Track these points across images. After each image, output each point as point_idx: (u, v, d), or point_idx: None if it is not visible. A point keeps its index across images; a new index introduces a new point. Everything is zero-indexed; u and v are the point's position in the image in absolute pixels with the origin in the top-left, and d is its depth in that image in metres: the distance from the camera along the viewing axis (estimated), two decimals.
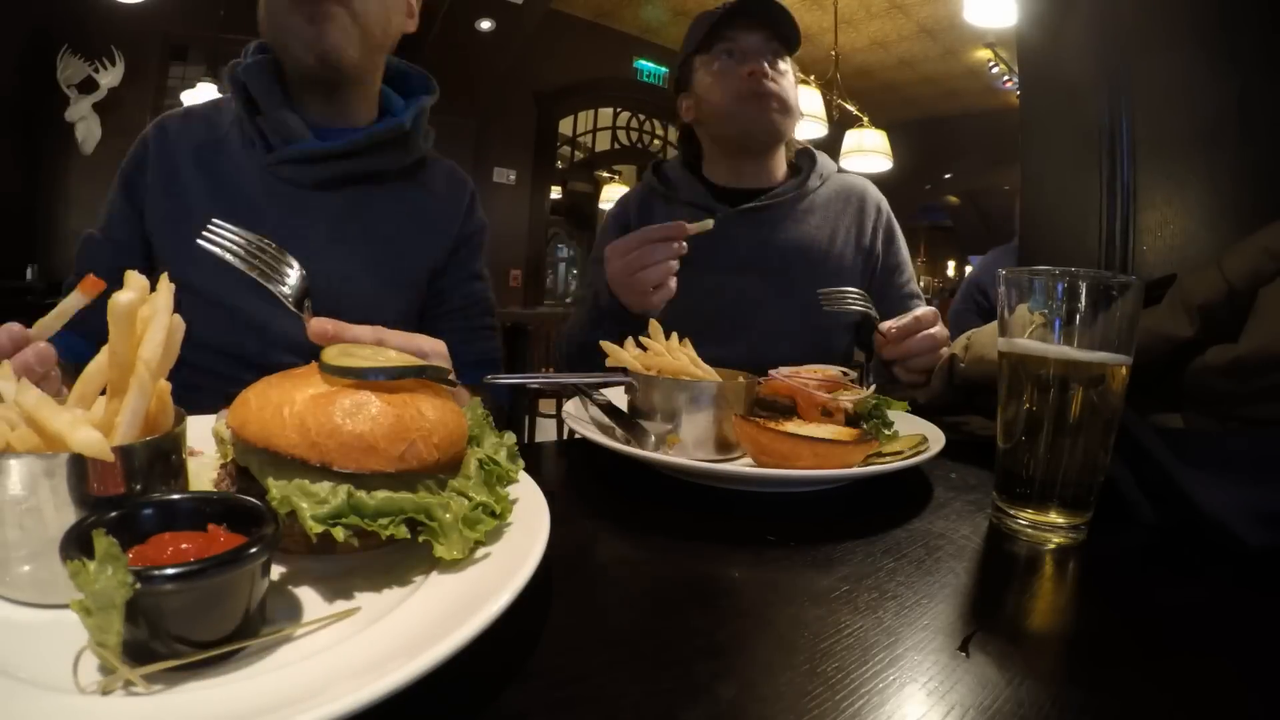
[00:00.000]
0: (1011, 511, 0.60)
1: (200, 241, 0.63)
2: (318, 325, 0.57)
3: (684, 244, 0.98)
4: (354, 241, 1.01)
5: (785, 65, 1.31)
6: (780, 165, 1.41)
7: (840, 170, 1.44)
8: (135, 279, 0.41)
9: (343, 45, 0.94)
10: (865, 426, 0.75)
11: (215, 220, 0.65)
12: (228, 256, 0.63)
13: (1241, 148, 0.97)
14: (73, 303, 0.48)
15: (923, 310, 0.98)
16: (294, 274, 0.65)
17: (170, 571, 0.30)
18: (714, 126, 1.35)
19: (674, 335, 0.81)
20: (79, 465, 0.37)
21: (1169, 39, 1.05)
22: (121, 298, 0.38)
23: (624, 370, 0.75)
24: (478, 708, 0.32)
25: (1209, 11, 1.01)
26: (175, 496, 0.38)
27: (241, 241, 0.64)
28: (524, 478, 0.50)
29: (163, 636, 0.31)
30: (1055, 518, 0.58)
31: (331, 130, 1.01)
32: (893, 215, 1.42)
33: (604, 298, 1.05)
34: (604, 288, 1.06)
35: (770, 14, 1.29)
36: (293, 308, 0.64)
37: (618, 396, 0.79)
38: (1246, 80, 0.96)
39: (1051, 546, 0.57)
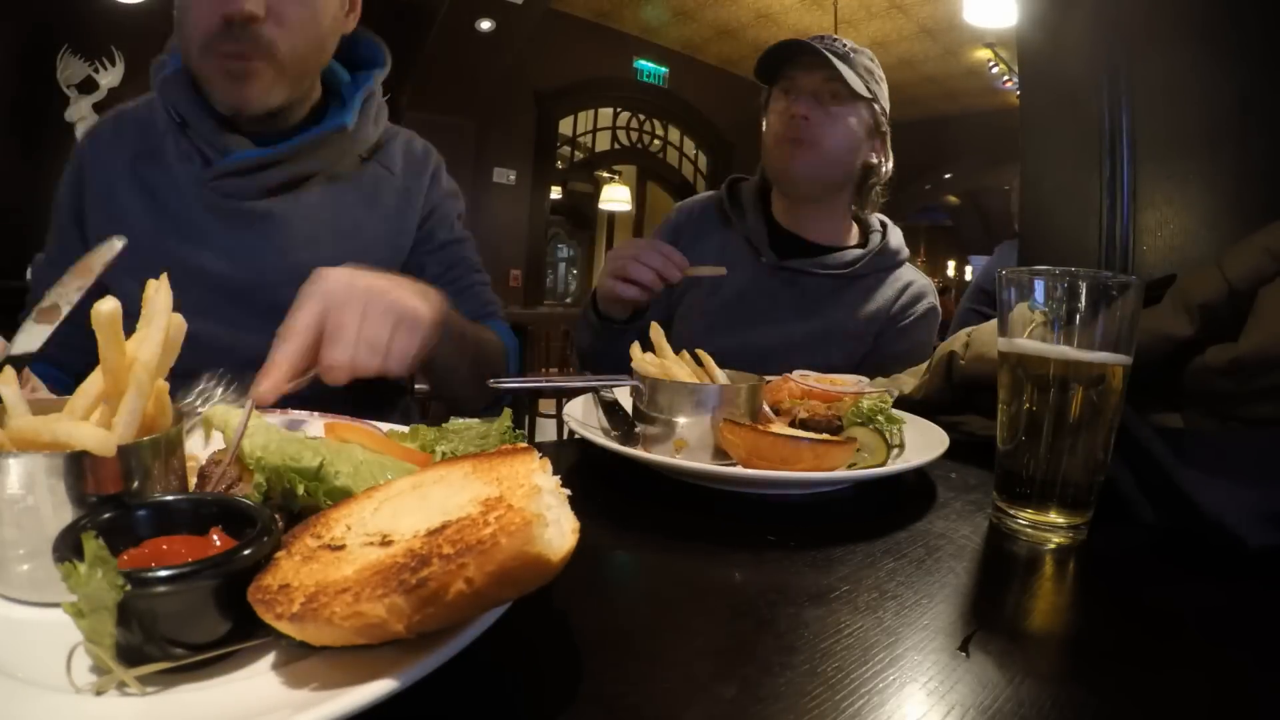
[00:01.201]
0: (1011, 511, 0.59)
1: None
2: (262, 397, 0.57)
3: (680, 275, 1.01)
4: (316, 244, 0.94)
5: (843, 108, 1.24)
6: (841, 222, 1.35)
7: (906, 259, 1.36)
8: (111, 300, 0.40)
9: (266, 98, 0.87)
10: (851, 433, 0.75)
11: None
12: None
13: (1242, 147, 0.97)
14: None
15: None
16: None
17: (161, 574, 0.30)
18: (764, 158, 1.33)
19: (684, 352, 0.81)
20: (77, 464, 0.36)
21: (1170, 38, 1.05)
22: (103, 307, 0.38)
23: (630, 373, 0.75)
24: (478, 708, 0.32)
25: (1209, 11, 1.01)
26: (171, 498, 0.38)
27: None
28: None
29: (156, 638, 0.31)
30: (1055, 518, 0.58)
31: (271, 133, 0.93)
32: (934, 314, 1.33)
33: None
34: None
35: (813, 57, 1.22)
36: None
37: (625, 399, 0.79)
38: (1247, 80, 0.96)
39: (1051, 546, 0.57)
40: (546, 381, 0.86)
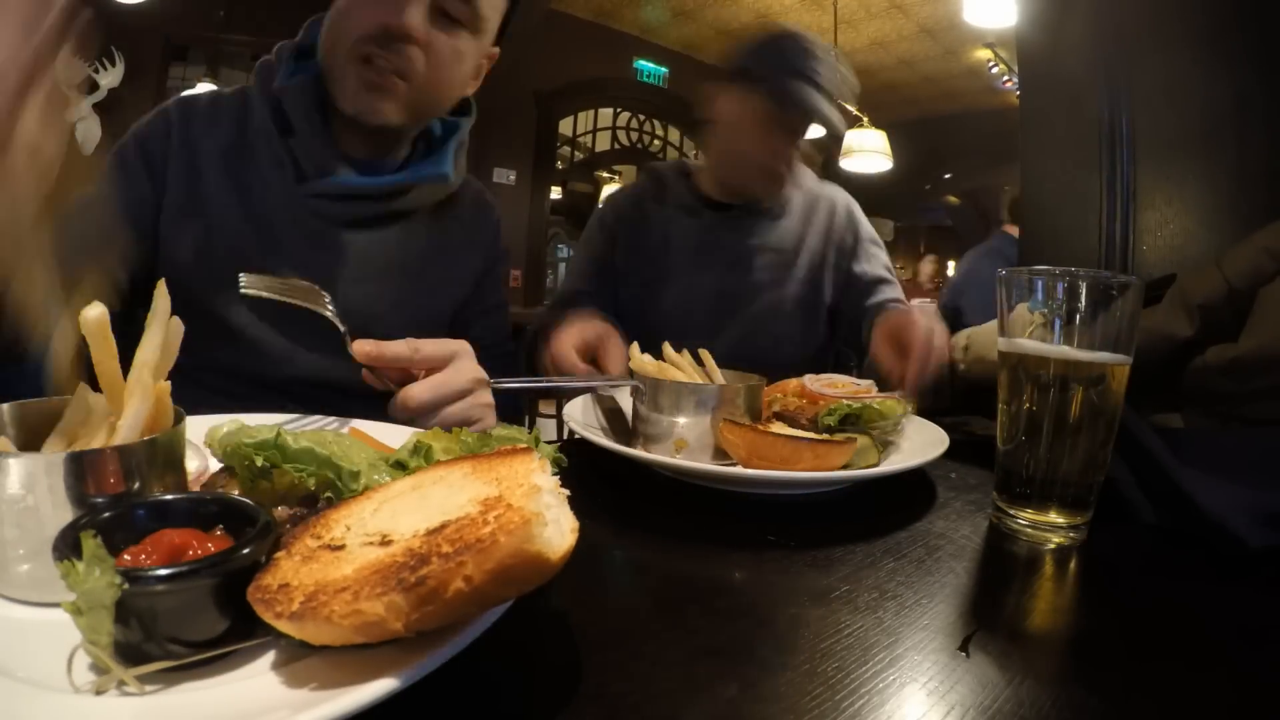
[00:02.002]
0: (1011, 511, 0.60)
1: (244, 291, 0.66)
2: (359, 346, 0.66)
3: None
4: (381, 280, 0.96)
5: (811, 134, 1.28)
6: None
7: (820, 180, 1.46)
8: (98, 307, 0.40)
9: (391, 116, 0.88)
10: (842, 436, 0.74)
11: (244, 274, 0.67)
12: (273, 297, 0.66)
13: (1241, 148, 0.97)
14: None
15: (918, 330, 0.92)
16: (327, 297, 0.70)
17: (159, 572, 0.30)
18: (719, 157, 1.35)
19: (684, 351, 0.81)
20: (77, 464, 0.37)
21: (1169, 38, 1.05)
22: (90, 313, 0.38)
23: (631, 374, 0.75)
24: (478, 707, 0.32)
25: (1209, 12, 1.01)
26: (170, 497, 0.38)
27: (277, 282, 0.68)
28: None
29: (155, 637, 0.31)
30: (1055, 517, 0.58)
31: (367, 164, 0.94)
32: (859, 213, 1.44)
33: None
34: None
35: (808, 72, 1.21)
36: (340, 325, 0.68)
37: (624, 399, 0.79)
38: (1246, 80, 0.96)
39: (1051, 546, 0.57)
40: (547, 382, 0.86)
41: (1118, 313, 0.55)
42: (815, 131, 1.25)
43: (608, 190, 8.45)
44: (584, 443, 0.72)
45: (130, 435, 0.40)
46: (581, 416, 0.78)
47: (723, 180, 1.36)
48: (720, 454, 0.71)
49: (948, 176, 9.02)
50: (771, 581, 0.49)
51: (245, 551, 0.33)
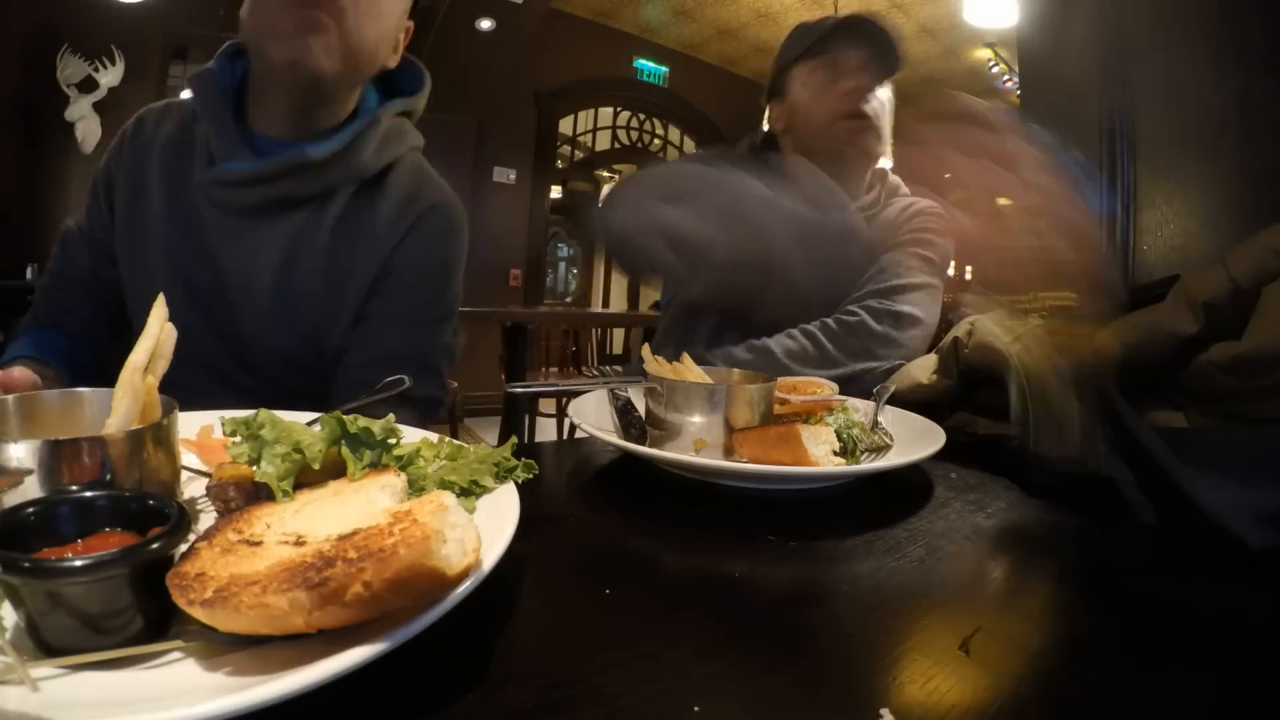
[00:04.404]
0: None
1: None
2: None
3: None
4: (303, 273, 0.92)
5: (884, 90, 1.25)
6: (862, 185, 1.36)
7: (905, 194, 1.38)
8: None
9: (323, 61, 0.86)
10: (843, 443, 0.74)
11: None
12: None
13: (1242, 147, 0.97)
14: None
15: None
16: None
17: (59, 565, 0.31)
18: (806, 140, 1.31)
19: (685, 357, 0.81)
20: (54, 451, 0.38)
21: (1169, 39, 1.05)
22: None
23: (644, 373, 0.75)
24: (478, 708, 0.32)
25: (1210, 11, 1.01)
26: (90, 494, 0.37)
27: None
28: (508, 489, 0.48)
29: (57, 630, 0.31)
30: None
31: (280, 144, 0.91)
32: (930, 214, 1.33)
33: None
34: None
35: (874, 34, 1.23)
36: None
37: (637, 398, 0.78)
38: (1248, 80, 0.96)
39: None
40: (559, 385, 0.85)
41: None
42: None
43: (608, 190, 8.45)
44: (587, 441, 0.72)
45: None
46: (591, 415, 0.78)
47: (817, 155, 1.27)
48: (733, 453, 0.71)
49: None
50: (771, 581, 0.49)
51: (154, 546, 0.33)
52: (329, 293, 0.95)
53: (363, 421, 0.45)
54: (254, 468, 0.43)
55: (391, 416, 0.47)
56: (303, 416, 0.62)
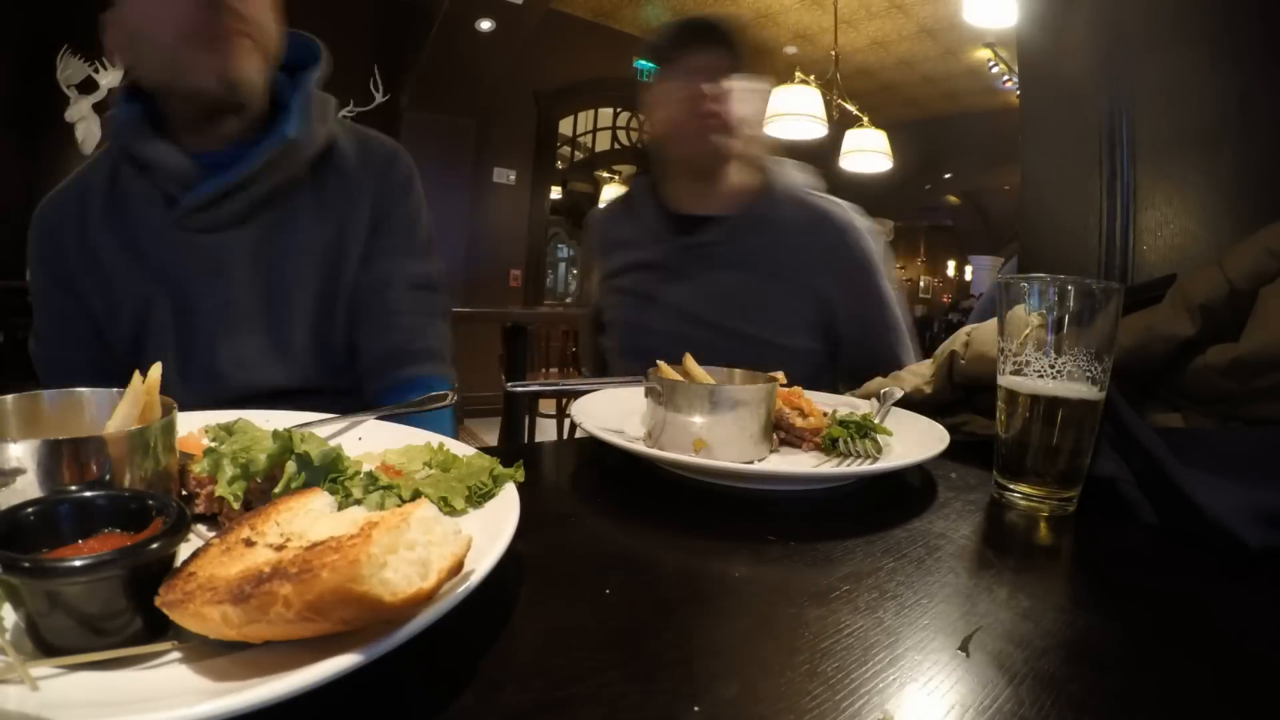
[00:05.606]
0: (1011, 486, 0.65)
1: None
2: None
3: None
4: (282, 266, 0.93)
5: (736, 83, 1.23)
6: (739, 186, 1.30)
7: (814, 192, 1.32)
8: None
9: (249, 68, 0.85)
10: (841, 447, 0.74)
11: None
12: None
13: (1242, 147, 0.97)
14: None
15: None
16: None
17: (55, 566, 0.30)
18: (662, 148, 1.32)
19: (687, 357, 0.81)
20: (54, 450, 0.38)
21: (1169, 39, 1.05)
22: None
23: (647, 375, 0.75)
24: (477, 708, 0.32)
25: (1209, 11, 1.00)
26: (90, 494, 0.37)
27: None
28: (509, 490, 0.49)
29: (56, 630, 0.31)
30: (1048, 491, 0.63)
31: (217, 155, 0.90)
32: (870, 250, 1.27)
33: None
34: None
35: (714, 35, 1.24)
36: None
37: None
38: (1247, 80, 0.96)
39: (1045, 515, 0.63)
40: (561, 384, 0.85)
41: (1101, 314, 0.61)
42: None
43: (608, 190, 8.45)
44: (588, 442, 0.72)
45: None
46: (594, 415, 0.78)
47: (673, 162, 1.30)
48: (740, 454, 0.71)
49: (948, 176, 9.03)
50: (771, 581, 0.49)
51: (153, 546, 0.32)
52: (324, 270, 0.95)
53: (312, 444, 0.45)
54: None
55: (340, 445, 0.47)
56: (312, 418, 0.63)
